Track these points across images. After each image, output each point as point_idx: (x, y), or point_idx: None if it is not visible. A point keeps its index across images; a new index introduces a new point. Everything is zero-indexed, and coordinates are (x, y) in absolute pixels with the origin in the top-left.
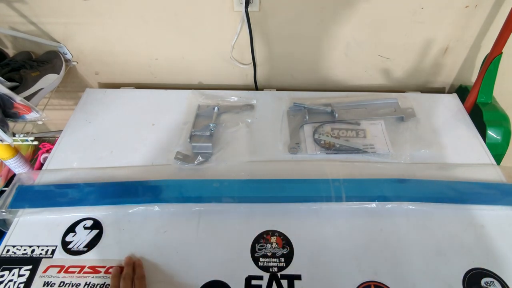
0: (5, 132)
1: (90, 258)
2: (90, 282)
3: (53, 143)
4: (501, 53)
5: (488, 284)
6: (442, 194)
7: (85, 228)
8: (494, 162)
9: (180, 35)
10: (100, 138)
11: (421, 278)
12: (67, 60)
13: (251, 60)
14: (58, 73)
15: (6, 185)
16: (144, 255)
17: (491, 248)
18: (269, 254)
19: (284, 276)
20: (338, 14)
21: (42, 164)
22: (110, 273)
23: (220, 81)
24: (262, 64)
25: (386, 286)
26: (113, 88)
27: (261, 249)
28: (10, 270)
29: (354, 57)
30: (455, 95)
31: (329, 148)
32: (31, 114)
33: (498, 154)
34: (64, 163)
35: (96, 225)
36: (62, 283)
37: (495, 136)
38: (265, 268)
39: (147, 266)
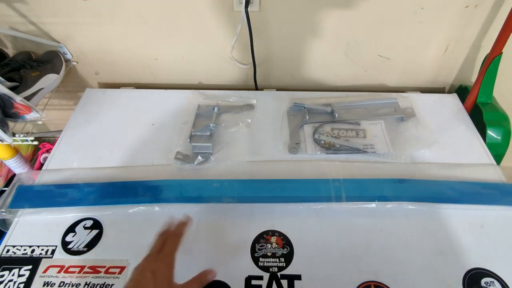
0: (5, 132)
1: (90, 258)
2: (90, 282)
3: (53, 143)
4: (501, 53)
5: (488, 284)
6: (442, 194)
7: (85, 228)
8: (494, 162)
9: (180, 35)
10: (100, 138)
11: (421, 278)
12: (67, 60)
13: (251, 60)
14: (58, 73)
15: (6, 185)
16: (144, 255)
17: (491, 248)
18: (269, 254)
19: (284, 276)
20: (338, 14)
21: (42, 164)
22: (110, 273)
23: (220, 81)
24: (262, 64)
25: (386, 286)
26: (113, 88)
27: (261, 249)
28: (10, 270)
29: (354, 57)
30: (455, 95)
31: (329, 148)
32: (31, 114)
33: (498, 154)
34: (64, 163)
35: (96, 225)
36: (62, 283)
37: (495, 136)
38: (265, 268)
39: None
